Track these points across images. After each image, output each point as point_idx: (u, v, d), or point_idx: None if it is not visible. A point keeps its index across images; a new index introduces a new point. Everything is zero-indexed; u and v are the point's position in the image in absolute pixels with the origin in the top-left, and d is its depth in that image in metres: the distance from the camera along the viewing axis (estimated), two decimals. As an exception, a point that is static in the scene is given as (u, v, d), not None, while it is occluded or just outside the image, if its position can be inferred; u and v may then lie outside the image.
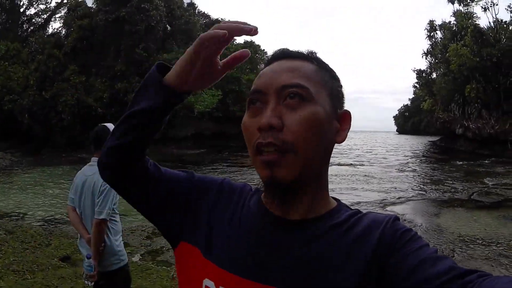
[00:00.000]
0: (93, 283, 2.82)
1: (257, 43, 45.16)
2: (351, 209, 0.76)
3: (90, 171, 2.91)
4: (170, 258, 5.98)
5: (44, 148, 26.20)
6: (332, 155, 0.77)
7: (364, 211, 0.75)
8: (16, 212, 9.57)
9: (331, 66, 0.80)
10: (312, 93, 0.70)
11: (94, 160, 2.94)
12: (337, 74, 0.80)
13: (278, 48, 0.80)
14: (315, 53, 0.79)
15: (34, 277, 4.74)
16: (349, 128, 0.77)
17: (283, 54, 0.77)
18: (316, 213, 0.73)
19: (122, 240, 3.06)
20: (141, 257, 6.02)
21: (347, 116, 0.77)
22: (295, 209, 0.72)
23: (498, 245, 7.01)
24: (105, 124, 2.96)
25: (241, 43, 43.14)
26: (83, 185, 2.89)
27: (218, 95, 30.64)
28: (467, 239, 7.42)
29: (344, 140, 0.76)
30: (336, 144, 0.76)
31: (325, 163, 0.75)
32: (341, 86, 0.79)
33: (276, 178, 0.68)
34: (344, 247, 0.67)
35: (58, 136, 26.93)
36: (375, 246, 0.65)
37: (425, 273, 0.58)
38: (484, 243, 7.18)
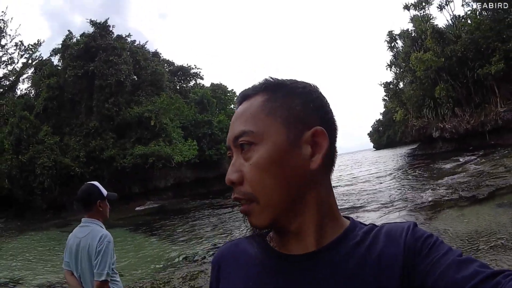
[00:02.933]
0: None
1: (224, 83, 45.37)
2: (365, 224, 0.74)
3: (82, 233, 2.79)
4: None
5: (26, 212, 25.42)
6: None
7: (378, 224, 0.73)
8: (12, 281, 9.04)
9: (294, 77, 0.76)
10: (257, 134, 0.68)
11: (85, 221, 2.82)
12: (302, 85, 0.73)
13: (244, 88, 0.77)
14: (270, 78, 0.74)
15: None
16: (325, 148, 0.69)
17: (241, 98, 0.76)
18: (330, 238, 0.71)
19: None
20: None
21: (318, 134, 0.69)
22: (303, 244, 0.71)
23: (500, 234, 6.92)
24: (92, 182, 2.88)
25: (208, 87, 43.14)
26: (78, 248, 2.75)
27: (195, 146, 30.33)
28: (468, 235, 7.33)
29: (319, 165, 0.69)
30: None
31: (308, 193, 0.69)
32: (304, 102, 0.71)
33: (253, 226, 0.70)
34: (372, 262, 0.65)
35: (39, 199, 26.20)
36: (402, 254, 0.64)
37: (452, 279, 0.58)
38: (485, 234, 7.08)
